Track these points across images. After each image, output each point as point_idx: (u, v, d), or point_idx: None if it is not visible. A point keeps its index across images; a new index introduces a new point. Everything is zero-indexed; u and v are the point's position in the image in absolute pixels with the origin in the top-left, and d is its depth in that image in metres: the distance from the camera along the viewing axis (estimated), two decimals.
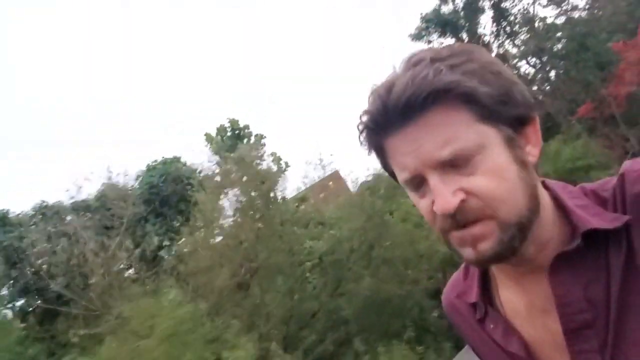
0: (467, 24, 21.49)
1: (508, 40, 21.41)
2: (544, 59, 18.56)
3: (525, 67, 21.28)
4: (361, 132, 0.77)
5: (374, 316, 8.50)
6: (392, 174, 0.80)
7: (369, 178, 13.30)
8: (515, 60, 21.36)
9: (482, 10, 21.92)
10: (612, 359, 0.73)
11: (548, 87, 19.61)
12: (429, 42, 21.87)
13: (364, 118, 0.75)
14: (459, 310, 0.94)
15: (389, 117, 0.72)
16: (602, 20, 16.94)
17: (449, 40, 22.45)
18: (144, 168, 14.45)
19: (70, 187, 12.97)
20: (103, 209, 12.14)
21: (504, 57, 22.35)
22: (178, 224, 13.49)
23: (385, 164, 0.80)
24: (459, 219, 0.71)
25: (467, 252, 0.74)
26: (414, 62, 0.73)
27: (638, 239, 0.72)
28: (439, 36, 22.08)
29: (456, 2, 21.98)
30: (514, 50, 21.23)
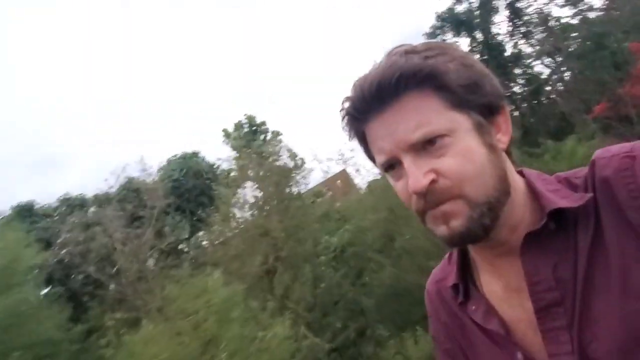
0: (481, 23, 21.67)
1: (523, 40, 21.57)
2: (560, 58, 18.65)
3: (538, 67, 21.46)
4: (343, 119, 0.82)
5: (395, 305, 8.77)
6: (374, 160, 0.83)
7: (377, 177, 13.58)
8: (530, 60, 21.50)
9: (497, 10, 22.11)
10: (579, 336, 0.75)
11: (562, 87, 19.71)
12: (444, 40, 22.08)
13: (346, 105, 0.80)
14: (441, 294, 0.97)
15: (367, 103, 0.77)
16: (620, 20, 17.01)
17: (464, 40, 22.69)
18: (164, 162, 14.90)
19: (108, 177, 13.34)
20: (126, 201, 12.48)
21: (518, 56, 22.50)
22: (196, 218, 13.87)
23: (367, 150, 0.84)
24: (430, 199, 0.75)
25: (441, 230, 0.77)
26: (390, 55, 0.78)
27: (606, 218, 0.76)
28: (454, 35, 22.32)
29: (471, 1, 22.22)
30: (529, 50, 21.39)
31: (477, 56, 22.48)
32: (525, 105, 21.31)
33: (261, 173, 14.20)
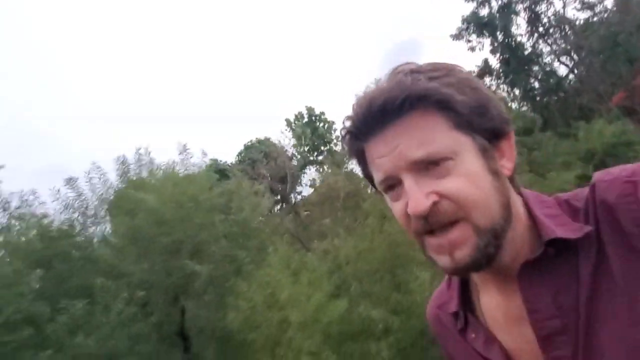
0: (502, 25, 24.11)
1: (541, 40, 24.03)
2: (579, 55, 21.21)
3: (555, 64, 23.92)
4: (343, 138, 0.81)
5: None
6: (371, 180, 0.82)
7: None
8: (548, 58, 23.98)
9: (517, 13, 24.55)
10: None
11: (579, 83, 22.19)
12: (469, 41, 24.57)
13: (347, 123, 0.79)
14: (442, 321, 0.96)
15: (369, 121, 0.75)
16: (628, 20, 19.59)
17: (486, 40, 25.10)
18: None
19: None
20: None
21: (537, 55, 24.86)
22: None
23: (365, 169, 0.83)
24: (432, 221, 0.73)
25: (444, 260, 0.76)
26: (395, 73, 0.77)
27: (610, 245, 0.74)
28: (477, 36, 24.77)
29: (492, 5, 24.69)
30: (547, 49, 23.88)
31: (498, 55, 25.13)
32: (545, 99, 23.80)
33: (320, 158, 16.69)
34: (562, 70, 23.57)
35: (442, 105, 0.73)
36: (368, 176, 0.83)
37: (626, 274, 0.72)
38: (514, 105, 22.62)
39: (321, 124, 19.40)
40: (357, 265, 7.07)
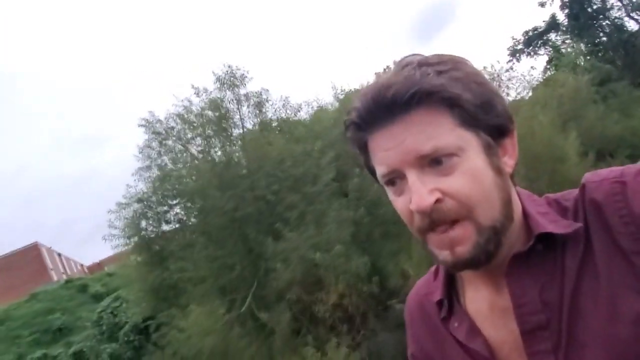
0: None
1: None
2: None
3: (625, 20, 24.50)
4: (347, 128, 0.80)
5: None
6: (373, 173, 0.81)
7: None
8: (618, 13, 24.62)
9: None
10: None
11: None
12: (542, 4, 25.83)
13: (352, 114, 0.78)
14: (425, 309, 0.96)
15: (375, 113, 0.74)
16: None
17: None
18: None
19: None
20: None
21: (606, 9, 25.32)
22: None
23: (367, 162, 0.82)
24: (435, 218, 0.73)
25: (444, 255, 0.76)
26: (402, 65, 0.76)
27: (597, 242, 0.75)
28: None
29: None
30: (618, 4, 24.52)
31: (567, 10, 25.66)
32: (611, 53, 24.73)
33: None
34: (632, 25, 24.36)
35: (449, 102, 0.73)
36: (370, 168, 0.82)
37: (610, 271, 0.74)
38: (580, 61, 23.53)
39: None
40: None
